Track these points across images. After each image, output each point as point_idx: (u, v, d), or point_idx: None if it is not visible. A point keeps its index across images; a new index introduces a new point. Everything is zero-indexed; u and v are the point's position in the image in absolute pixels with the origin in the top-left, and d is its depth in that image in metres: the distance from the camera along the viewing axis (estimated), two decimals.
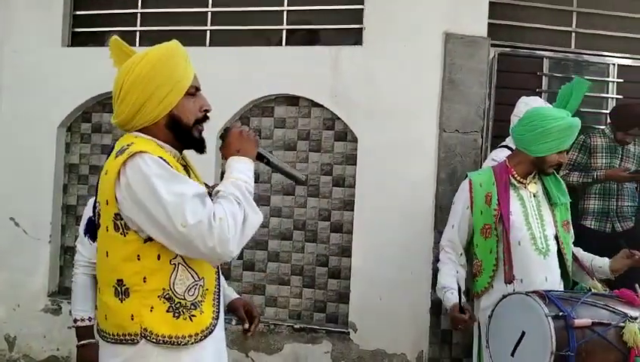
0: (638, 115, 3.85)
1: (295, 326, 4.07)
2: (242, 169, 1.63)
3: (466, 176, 2.60)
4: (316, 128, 4.21)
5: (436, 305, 3.90)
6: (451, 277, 2.45)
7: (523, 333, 2.03)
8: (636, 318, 1.99)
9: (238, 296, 2.20)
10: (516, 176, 2.44)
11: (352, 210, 4.04)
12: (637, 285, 2.16)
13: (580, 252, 2.56)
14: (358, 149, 4.02)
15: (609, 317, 2.00)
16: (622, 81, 4.38)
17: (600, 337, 1.93)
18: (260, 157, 1.77)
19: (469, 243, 2.57)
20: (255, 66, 4.11)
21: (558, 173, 2.61)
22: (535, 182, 2.48)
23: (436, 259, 3.87)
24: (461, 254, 2.54)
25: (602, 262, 2.51)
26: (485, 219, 2.42)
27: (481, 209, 2.43)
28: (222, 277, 2.38)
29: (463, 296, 2.31)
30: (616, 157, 3.96)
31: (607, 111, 4.20)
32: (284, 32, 4.24)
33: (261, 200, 3.98)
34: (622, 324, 1.97)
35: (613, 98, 4.33)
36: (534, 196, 2.45)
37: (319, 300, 4.17)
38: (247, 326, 2.07)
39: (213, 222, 1.46)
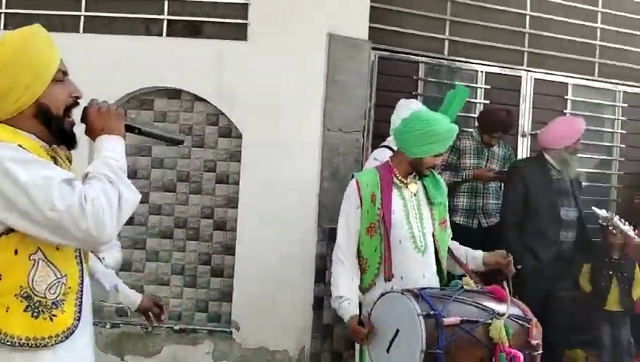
0: (502, 120, 4.07)
1: (175, 328, 3.87)
2: (111, 147, 1.51)
3: (352, 176, 2.59)
4: (199, 123, 4.02)
5: (319, 300, 3.90)
6: (347, 286, 2.41)
7: (398, 331, 2.06)
8: (503, 314, 2.05)
9: (140, 295, 2.30)
10: (398, 175, 2.46)
11: (236, 208, 3.91)
12: (504, 282, 2.27)
13: (456, 244, 2.64)
14: (243, 146, 3.90)
15: (477, 314, 2.04)
16: (489, 87, 4.64)
17: (468, 334, 1.97)
18: (130, 129, 1.62)
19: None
20: (133, 56, 3.83)
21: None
22: (415, 182, 2.50)
23: (320, 255, 3.90)
24: (356, 256, 2.50)
25: (477, 254, 2.59)
26: (371, 218, 2.41)
27: (367, 208, 2.42)
28: (119, 282, 2.25)
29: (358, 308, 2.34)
30: (483, 158, 4.16)
31: (475, 116, 4.42)
32: (165, 22, 3.99)
33: None
34: (489, 321, 2.01)
35: (480, 103, 4.57)
36: (415, 195, 2.48)
37: (201, 300, 4.00)
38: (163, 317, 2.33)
39: (85, 204, 1.34)
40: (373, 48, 4.20)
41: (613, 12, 5.00)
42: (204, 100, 3.94)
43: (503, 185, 4.11)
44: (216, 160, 4.01)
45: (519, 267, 2.59)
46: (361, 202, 2.43)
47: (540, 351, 2.15)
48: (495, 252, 2.51)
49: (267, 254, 3.80)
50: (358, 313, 2.34)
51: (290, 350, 3.87)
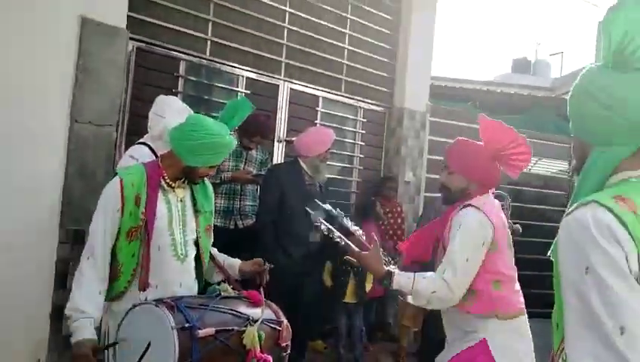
0: (262, 125, 4.15)
1: None
2: None
3: (115, 174, 2.31)
4: None
5: (58, 309, 3.47)
6: (93, 302, 2.10)
7: (149, 344, 1.89)
8: (257, 320, 2.05)
9: None
10: (167, 179, 2.28)
11: None
12: (262, 287, 2.27)
13: (215, 251, 2.55)
14: None
15: (233, 322, 2.01)
16: (249, 92, 4.69)
17: (222, 343, 1.92)
18: None
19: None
20: None
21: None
22: (184, 187, 2.34)
23: (61, 259, 3.47)
24: (109, 264, 2.20)
25: (233, 262, 2.52)
26: (132, 222, 2.17)
27: (130, 211, 2.17)
28: None
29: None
30: (241, 161, 4.19)
31: None
32: None
33: None
34: (243, 328, 1.99)
35: None
36: (181, 201, 2.31)
37: None
38: None
39: None
40: (132, 38, 3.90)
41: (359, 36, 5.52)
42: None
43: (259, 187, 4.17)
44: None
45: (272, 266, 2.61)
46: (123, 204, 2.17)
47: (288, 351, 2.20)
48: (252, 260, 2.48)
49: None
50: (96, 338, 2.07)
51: None
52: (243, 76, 4.69)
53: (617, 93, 1.16)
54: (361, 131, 5.65)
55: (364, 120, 5.66)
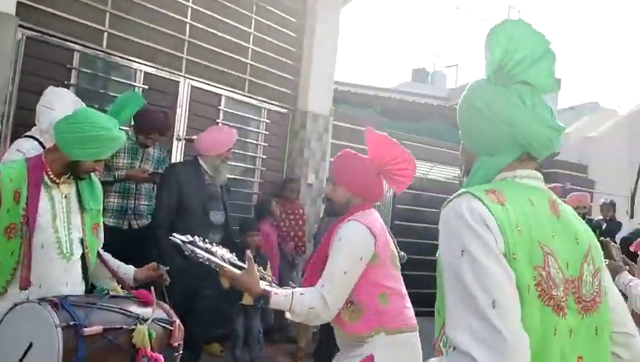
0: (160, 122, 4.05)
1: None
2: None
3: None
4: None
5: None
6: None
7: (31, 344, 1.84)
8: (147, 319, 2.04)
9: None
10: (50, 174, 2.20)
11: None
12: (152, 287, 2.25)
13: (109, 257, 2.49)
14: None
15: (122, 320, 1.99)
16: (147, 87, 4.60)
17: (110, 342, 1.91)
18: None
19: None
20: None
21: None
22: (69, 183, 2.26)
23: None
24: None
25: (127, 270, 2.47)
26: (12, 218, 2.08)
27: (8, 207, 2.08)
28: None
29: None
30: (137, 158, 4.07)
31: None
32: None
33: None
34: (133, 327, 1.98)
35: None
36: (66, 197, 2.24)
37: None
38: None
39: None
40: (21, 26, 3.71)
41: (264, 37, 5.58)
42: None
43: (156, 186, 4.09)
44: None
45: (167, 268, 2.59)
46: (0, 200, 2.08)
47: (181, 352, 2.21)
48: (146, 266, 2.45)
49: None
50: None
51: None
52: (141, 71, 4.60)
53: (498, 107, 1.27)
54: (264, 132, 5.72)
55: (268, 121, 5.73)
